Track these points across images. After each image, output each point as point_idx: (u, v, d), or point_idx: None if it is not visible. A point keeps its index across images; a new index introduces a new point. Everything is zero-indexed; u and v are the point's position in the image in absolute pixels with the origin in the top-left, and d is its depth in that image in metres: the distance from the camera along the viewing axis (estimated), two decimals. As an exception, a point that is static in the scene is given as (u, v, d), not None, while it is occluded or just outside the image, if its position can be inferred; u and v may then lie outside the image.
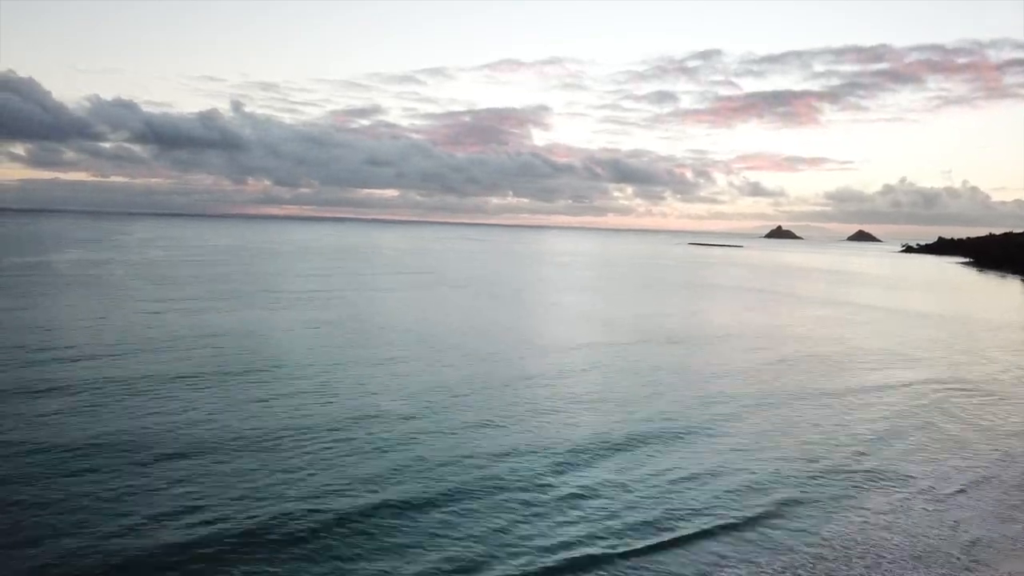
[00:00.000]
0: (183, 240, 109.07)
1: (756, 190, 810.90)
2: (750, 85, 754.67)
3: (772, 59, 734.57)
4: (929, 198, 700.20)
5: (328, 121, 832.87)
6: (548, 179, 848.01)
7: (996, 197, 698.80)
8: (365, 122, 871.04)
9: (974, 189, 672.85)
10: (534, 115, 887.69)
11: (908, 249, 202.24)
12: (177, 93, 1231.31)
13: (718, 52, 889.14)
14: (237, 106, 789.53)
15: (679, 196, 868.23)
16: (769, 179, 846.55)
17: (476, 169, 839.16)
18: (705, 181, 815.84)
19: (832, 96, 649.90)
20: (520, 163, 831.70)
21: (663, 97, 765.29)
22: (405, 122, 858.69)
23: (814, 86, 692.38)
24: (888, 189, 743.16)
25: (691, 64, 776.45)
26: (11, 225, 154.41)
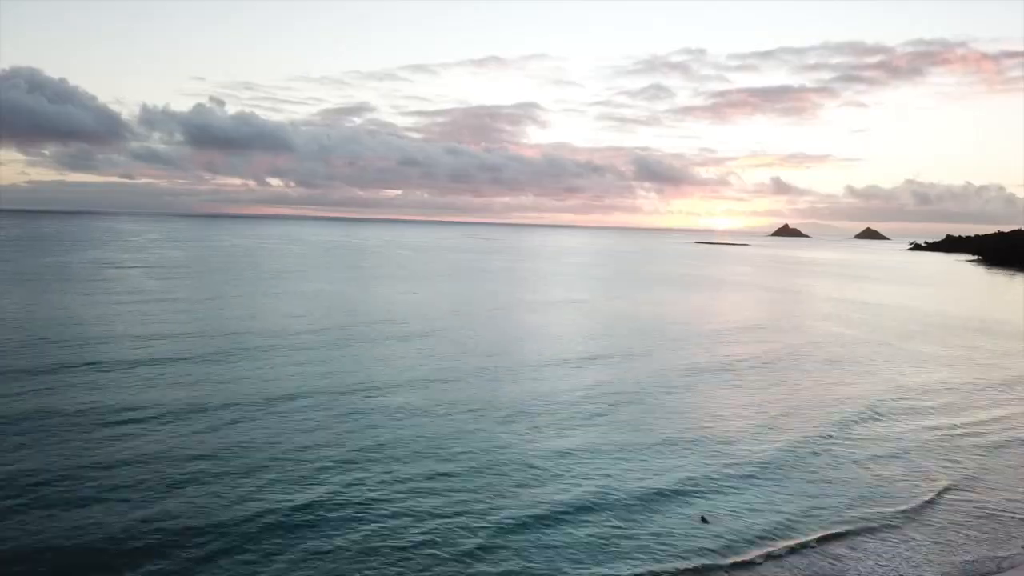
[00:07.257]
0: (198, 240, 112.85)
1: (762, 187, 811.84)
2: (743, 80, 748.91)
3: (760, 55, 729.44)
4: (956, 195, 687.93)
5: (322, 120, 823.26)
6: (571, 178, 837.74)
7: (1021, 194, 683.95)
8: (357, 120, 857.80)
9: (996, 186, 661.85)
10: (528, 112, 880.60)
11: (916, 247, 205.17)
12: (165, 93, 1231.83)
13: (703, 51, 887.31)
14: (245, 106, 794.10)
15: (695, 194, 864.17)
16: (774, 176, 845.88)
17: (495, 169, 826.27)
18: (716, 178, 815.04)
19: (830, 92, 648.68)
20: (541, 162, 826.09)
21: (658, 93, 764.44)
22: (397, 120, 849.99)
23: (809, 81, 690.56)
24: (909, 184, 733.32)
25: (677, 59, 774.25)
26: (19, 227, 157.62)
